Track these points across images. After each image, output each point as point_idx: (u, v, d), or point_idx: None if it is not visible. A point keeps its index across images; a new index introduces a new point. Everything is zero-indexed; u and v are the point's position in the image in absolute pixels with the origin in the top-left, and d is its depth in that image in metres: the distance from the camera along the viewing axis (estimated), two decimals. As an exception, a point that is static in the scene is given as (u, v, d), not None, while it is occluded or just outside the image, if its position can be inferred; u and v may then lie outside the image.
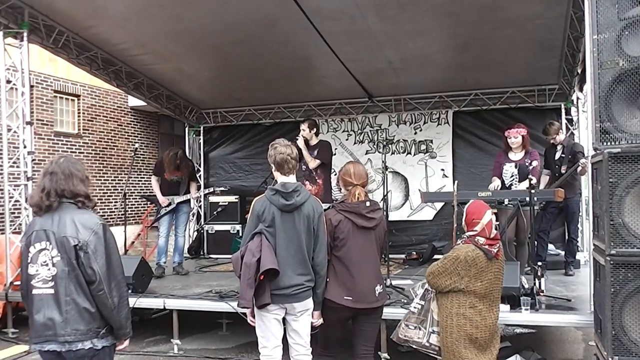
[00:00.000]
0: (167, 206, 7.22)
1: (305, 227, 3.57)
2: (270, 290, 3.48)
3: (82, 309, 2.79)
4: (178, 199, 7.26)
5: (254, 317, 3.69)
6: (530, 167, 5.82)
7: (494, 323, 3.50)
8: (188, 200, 7.47)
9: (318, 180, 6.73)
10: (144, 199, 8.53)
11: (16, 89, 6.75)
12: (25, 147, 6.67)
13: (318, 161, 6.66)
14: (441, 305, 3.57)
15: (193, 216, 10.25)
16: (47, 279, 2.80)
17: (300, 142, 6.57)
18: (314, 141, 6.80)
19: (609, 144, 3.57)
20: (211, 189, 8.20)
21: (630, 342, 3.40)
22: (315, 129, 6.83)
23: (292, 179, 3.68)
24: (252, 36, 6.94)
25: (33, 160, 6.78)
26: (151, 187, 7.71)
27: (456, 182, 5.41)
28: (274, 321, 3.59)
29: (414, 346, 3.87)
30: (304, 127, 6.76)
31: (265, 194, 3.63)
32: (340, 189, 4.05)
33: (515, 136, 6.10)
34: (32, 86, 9.62)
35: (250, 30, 6.78)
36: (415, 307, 3.91)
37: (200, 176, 10.40)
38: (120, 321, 2.89)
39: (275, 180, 3.74)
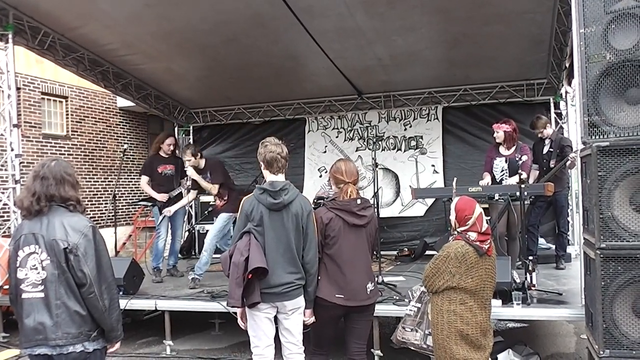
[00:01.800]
0: (167, 201, 6.98)
1: (293, 226, 3.56)
2: (261, 289, 3.48)
3: (72, 312, 2.76)
4: (175, 192, 7.05)
5: (244, 319, 3.68)
6: (520, 162, 5.85)
7: (485, 320, 3.49)
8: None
9: (224, 197, 6.77)
10: (142, 205, 8.33)
11: (2, 91, 6.68)
12: (12, 150, 6.59)
13: (216, 185, 6.65)
14: (433, 303, 3.56)
15: (185, 216, 10.19)
16: (37, 282, 2.78)
17: (192, 173, 6.57)
18: (202, 164, 6.73)
19: (597, 137, 3.59)
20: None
21: (621, 335, 3.43)
22: (199, 154, 6.71)
23: (280, 177, 3.67)
24: (241, 35, 6.92)
25: (21, 163, 6.70)
26: (141, 189, 7.49)
27: (455, 178, 5.42)
28: (265, 320, 3.58)
29: (412, 348, 3.87)
30: (187, 157, 6.62)
31: (254, 193, 3.62)
32: (331, 186, 4.04)
33: (497, 131, 6.16)
34: (19, 88, 9.53)
35: (239, 29, 6.75)
36: (411, 310, 3.92)
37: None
38: (111, 323, 2.87)
39: (265, 179, 3.73)
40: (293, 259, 3.57)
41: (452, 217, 3.62)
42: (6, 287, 6.01)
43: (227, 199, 6.73)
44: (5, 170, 6.66)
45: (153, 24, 6.68)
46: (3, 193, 6.63)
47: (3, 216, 6.89)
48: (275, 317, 3.65)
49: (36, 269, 2.78)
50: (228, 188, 6.80)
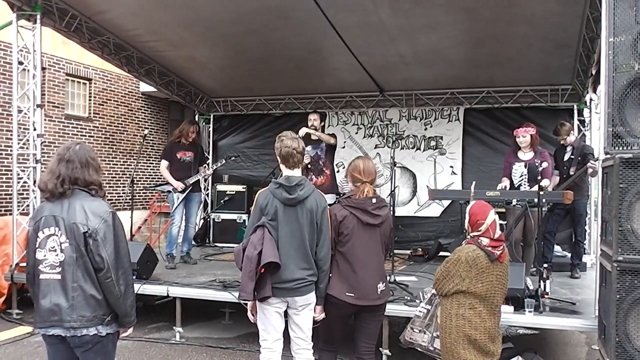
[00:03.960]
0: (184, 190, 7.03)
1: (308, 221, 3.56)
2: (272, 283, 3.48)
3: (88, 295, 2.80)
4: (192, 180, 7.08)
5: (253, 312, 3.69)
6: (541, 168, 5.77)
7: (494, 327, 3.46)
8: (200, 189, 7.41)
9: (325, 171, 6.82)
10: (159, 190, 8.40)
11: (28, 70, 6.76)
12: (35, 129, 6.69)
13: (333, 140, 6.93)
14: (442, 307, 3.54)
15: (200, 204, 10.26)
16: (55, 264, 2.82)
17: (310, 130, 6.80)
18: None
19: (621, 148, 3.53)
20: (222, 161, 7.83)
21: (634, 350, 3.38)
22: (322, 122, 6.97)
23: (297, 172, 3.67)
24: (264, 26, 6.92)
25: (42, 142, 6.80)
26: (159, 174, 7.57)
27: (474, 182, 5.37)
28: (275, 314, 3.59)
29: (419, 349, 3.86)
30: (314, 117, 6.96)
31: (269, 187, 3.62)
32: (348, 182, 4.03)
33: (524, 135, 6.07)
34: (44, 68, 9.64)
35: (263, 20, 6.75)
36: (421, 311, 3.89)
37: (208, 164, 10.40)
38: (125, 309, 2.90)
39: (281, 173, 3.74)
40: (306, 255, 3.57)
41: (466, 220, 3.60)
42: (22, 264, 6.11)
43: (328, 174, 6.87)
44: (27, 149, 6.76)
45: (178, 12, 6.71)
46: (24, 172, 6.72)
47: (23, 194, 6.98)
48: (285, 312, 3.66)
49: (55, 250, 2.82)
50: (331, 164, 6.95)
